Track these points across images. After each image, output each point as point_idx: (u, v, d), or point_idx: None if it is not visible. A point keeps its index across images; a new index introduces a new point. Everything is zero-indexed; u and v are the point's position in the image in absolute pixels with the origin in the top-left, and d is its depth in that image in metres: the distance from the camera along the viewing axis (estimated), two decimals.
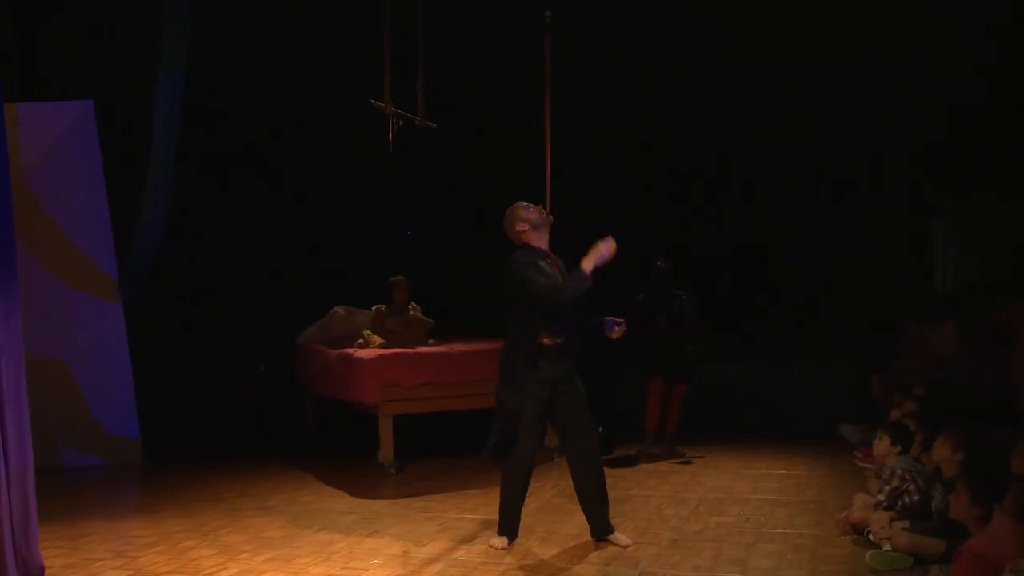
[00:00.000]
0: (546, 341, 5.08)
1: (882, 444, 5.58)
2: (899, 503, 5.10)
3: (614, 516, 5.80)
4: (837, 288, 10.42)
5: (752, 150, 10.40)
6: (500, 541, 5.19)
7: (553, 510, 6.06)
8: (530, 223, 5.25)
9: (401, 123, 7.02)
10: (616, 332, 5.26)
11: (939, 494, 4.80)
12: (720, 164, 10.59)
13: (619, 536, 5.24)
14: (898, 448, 5.45)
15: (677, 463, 7.70)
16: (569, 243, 10.87)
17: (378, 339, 7.96)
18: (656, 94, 10.33)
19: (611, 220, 10.57)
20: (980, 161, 9.55)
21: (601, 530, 5.26)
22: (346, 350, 7.89)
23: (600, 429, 8.14)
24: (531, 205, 5.33)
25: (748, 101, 10.12)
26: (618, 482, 6.95)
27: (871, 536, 4.93)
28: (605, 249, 5.07)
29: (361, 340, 8.03)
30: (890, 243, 10.58)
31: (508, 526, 5.24)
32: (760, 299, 10.58)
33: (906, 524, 4.77)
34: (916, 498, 5.05)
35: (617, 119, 10.52)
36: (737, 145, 10.41)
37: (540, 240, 5.26)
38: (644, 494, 6.51)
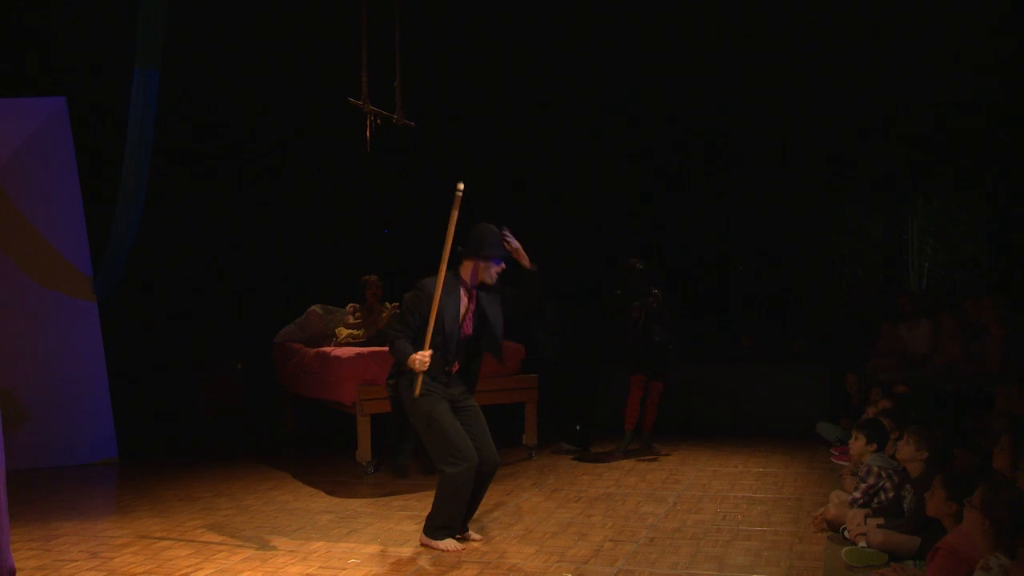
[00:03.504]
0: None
1: (858, 443, 5.62)
2: (875, 500, 5.14)
3: (592, 514, 5.84)
4: (813, 287, 10.50)
5: (727, 149, 10.48)
6: (452, 544, 5.08)
7: (531, 508, 6.06)
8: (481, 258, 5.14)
9: (379, 121, 7.00)
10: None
11: (909, 493, 4.84)
12: (699, 162, 10.66)
13: (473, 533, 5.30)
14: (873, 446, 5.50)
15: (655, 461, 7.72)
16: (561, 243, 10.90)
17: (345, 331, 7.99)
18: (648, 91, 10.39)
19: (601, 219, 10.72)
20: (960, 161, 9.65)
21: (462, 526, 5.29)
22: (323, 349, 7.86)
23: (578, 427, 8.23)
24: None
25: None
26: (595, 480, 6.97)
27: (846, 533, 4.96)
28: (419, 361, 4.96)
29: (335, 340, 8.06)
30: (865, 242, 10.66)
31: (453, 526, 5.15)
32: (736, 298, 10.66)
33: (880, 521, 4.81)
34: (891, 495, 5.09)
35: (606, 118, 10.59)
36: (715, 143, 10.48)
37: (467, 273, 5.21)
38: (622, 492, 6.53)
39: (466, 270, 5.21)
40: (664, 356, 7.94)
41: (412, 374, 4.99)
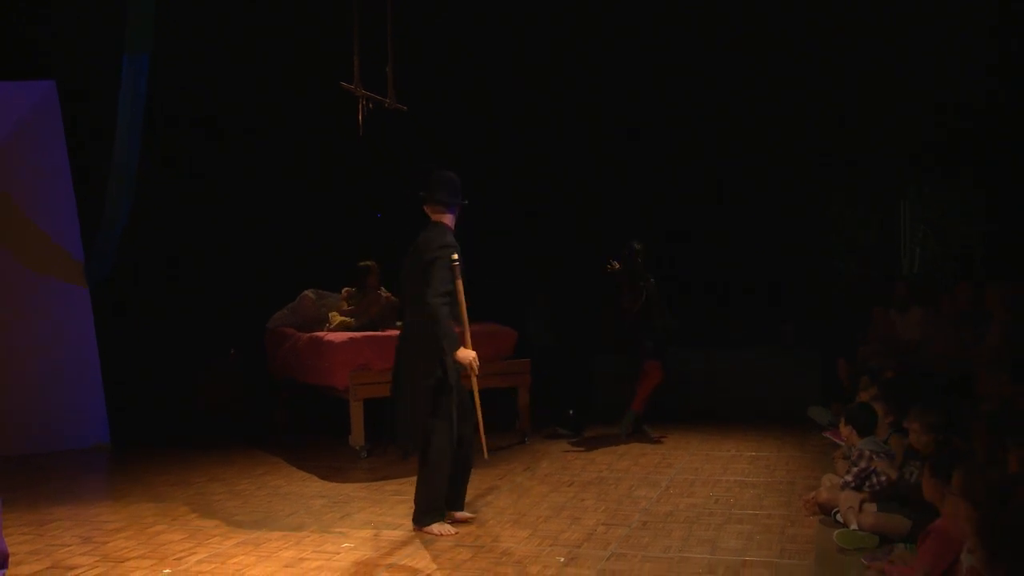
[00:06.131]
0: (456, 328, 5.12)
1: (846, 427, 5.63)
2: (866, 484, 5.16)
3: (585, 498, 5.86)
4: (804, 273, 10.50)
5: (725, 132, 10.46)
6: (445, 528, 5.12)
7: (524, 492, 6.08)
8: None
9: (371, 105, 6.98)
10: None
11: (917, 469, 4.84)
12: (696, 150, 10.63)
13: (465, 513, 5.37)
14: (856, 430, 5.50)
15: (647, 445, 7.74)
16: (554, 226, 10.85)
17: (339, 317, 7.99)
18: (645, 84, 10.38)
19: (595, 203, 10.71)
20: (953, 147, 9.65)
21: (455, 505, 5.32)
22: (316, 334, 7.85)
23: (571, 411, 8.25)
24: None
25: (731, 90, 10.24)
26: (588, 464, 6.99)
27: (838, 517, 4.98)
28: (473, 362, 5.09)
29: (328, 325, 8.05)
30: (857, 227, 10.67)
31: (441, 507, 5.19)
32: (730, 284, 10.66)
33: (873, 507, 4.83)
34: (883, 479, 5.12)
35: (601, 102, 10.57)
36: (715, 132, 10.47)
37: (451, 221, 5.25)
38: (615, 476, 6.55)
39: (449, 219, 5.23)
40: (664, 343, 7.99)
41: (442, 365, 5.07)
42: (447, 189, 5.17)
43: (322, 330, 7.97)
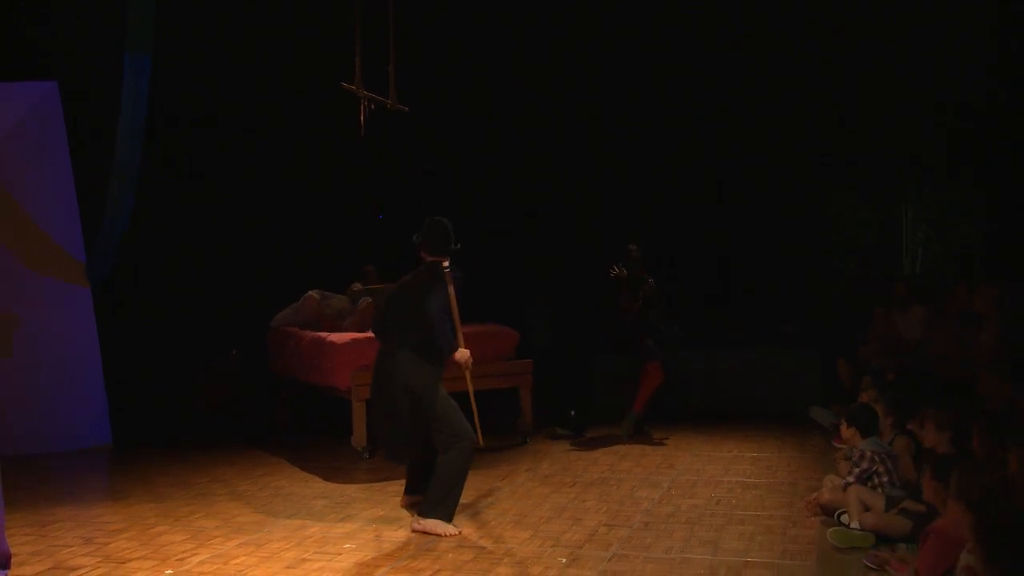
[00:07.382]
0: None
1: (849, 429, 5.64)
2: (868, 484, 5.16)
3: (587, 499, 5.87)
4: (804, 273, 10.51)
5: (725, 132, 10.46)
6: (451, 528, 5.14)
7: (526, 493, 6.08)
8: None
9: (373, 106, 6.99)
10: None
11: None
12: (696, 150, 10.64)
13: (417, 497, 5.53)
14: (857, 432, 5.50)
15: (649, 446, 7.74)
16: (554, 228, 10.85)
17: (348, 300, 8.08)
18: (645, 84, 10.39)
19: (596, 207, 10.73)
20: (953, 147, 9.66)
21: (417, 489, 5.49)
22: (319, 334, 7.85)
23: (573, 412, 8.26)
24: None
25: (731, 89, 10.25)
26: (590, 465, 6.99)
27: (842, 517, 4.98)
28: (467, 361, 5.47)
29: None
30: (857, 227, 10.67)
31: (452, 507, 5.23)
32: (730, 284, 10.67)
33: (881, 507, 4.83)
34: (885, 479, 5.13)
35: (602, 104, 10.58)
36: (715, 132, 10.47)
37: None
38: (616, 477, 6.55)
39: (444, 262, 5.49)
40: (665, 343, 8.00)
41: (438, 369, 5.32)
42: (441, 237, 5.44)
43: (326, 330, 7.97)
